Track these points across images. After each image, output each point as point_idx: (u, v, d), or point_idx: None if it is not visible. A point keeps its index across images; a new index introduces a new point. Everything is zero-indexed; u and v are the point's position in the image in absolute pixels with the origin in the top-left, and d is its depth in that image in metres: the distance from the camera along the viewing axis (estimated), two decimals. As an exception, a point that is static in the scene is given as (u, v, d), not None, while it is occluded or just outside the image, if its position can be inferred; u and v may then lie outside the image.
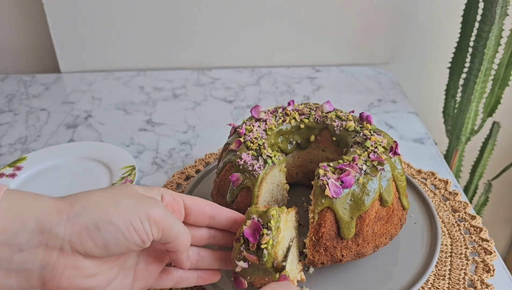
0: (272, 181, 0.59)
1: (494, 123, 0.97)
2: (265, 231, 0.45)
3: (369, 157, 0.57)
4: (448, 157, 1.01)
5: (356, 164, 0.55)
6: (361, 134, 0.61)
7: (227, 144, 0.63)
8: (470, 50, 0.91)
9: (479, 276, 0.59)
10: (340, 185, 0.53)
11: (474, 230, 0.65)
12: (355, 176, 0.54)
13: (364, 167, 0.55)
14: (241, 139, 0.61)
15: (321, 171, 0.55)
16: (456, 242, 0.64)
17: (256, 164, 0.57)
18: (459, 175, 1.05)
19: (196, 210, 0.47)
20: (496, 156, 1.16)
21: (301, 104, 0.70)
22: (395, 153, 0.59)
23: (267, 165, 0.57)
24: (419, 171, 0.77)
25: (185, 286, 0.50)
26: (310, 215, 0.55)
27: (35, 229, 0.35)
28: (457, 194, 0.72)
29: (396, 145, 0.59)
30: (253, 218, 0.47)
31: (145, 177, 0.78)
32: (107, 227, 0.37)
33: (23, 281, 0.36)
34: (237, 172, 0.57)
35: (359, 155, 0.57)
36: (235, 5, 1.07)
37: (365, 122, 0.64)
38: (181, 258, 0.44)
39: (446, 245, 0.63)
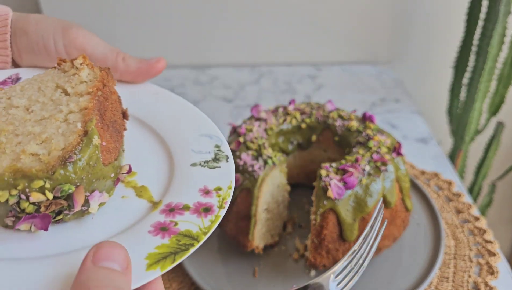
0: (272, 182, 0.58)
1: (498, 123, 0.97)
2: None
3: (372, 158, 0.56)
4: (452, 157, 1.00)
5: (359, 164, 0.54)
6: (364, 134, 0.61)
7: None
8: (474, 48, 0.90)
9: (483, 278, 0.58)
10: (343, 186, 0.52)
11: (478, 231, 0.65)
12: (358, 177, 0.53)
13: (367, 167, 0.54)
14: (241, 139, 0.60)
15: (323, 172, 0.54)
16: (460, 243, 0.63)
17: (256, 164, 0.56)
18: (463, 176, 1.04)
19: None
20: (500, 156, 1.15)
21: (302, 104, 0.69)
22: (399, 154, 0.58)
23: (267, 165, 0.56)
24: (423, 172, 0.76)
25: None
26: (312, 217, 0.54)
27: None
28: (460, 195, 0.71)
29: (400, 145, 0.58)
30: None
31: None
32: (22, 36, 0.47)
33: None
34: (237, 173, 0.56)
35: (362, 155, 0.57)
36: (234, 3, 1.06)
37: (367, 122, 0.63)
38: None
39: (449, 247, 0.63)
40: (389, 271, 0.59)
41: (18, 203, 0.32)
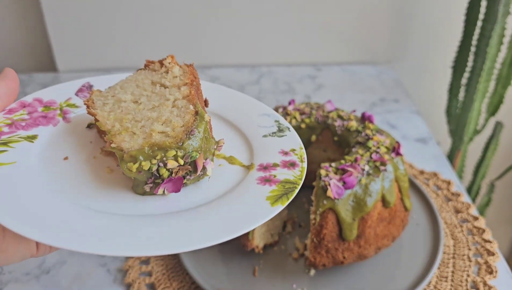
0: (272, 181, 0.58)
1: (497, 123, 0.97)
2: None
3: (371, 158, 0.56)
4: (451, 157, 1.00)
5: (358, 164, 0.55)
6: (363, 134, 0.61)
7: (227, 144, 0.63)
8: (473, 49, 0.90)
9: (482, 277, 0.58)
10: (342, 185, 0.52)
11: (477, 231, 0.65)
12: (357, 176, 0.53)
13: (367, 167, 0.55)
14: (241, 139, 0.60)
15: (323, 172, 0.54)
16: (458, 243, 0.63)
17: (256, 164, 0.56)
18: (462, 176, 1.04)
19: None
20: (499, 156, 1.16)
21: (302, 104, 0.69)
22: (398, 154, 0.58)
23: (267, 165, 0.56)
24: (422, 172, 0.76)
25: None
26: (312, 217, 0.54)
27: None
28: (459, 194, 0.71)
29: (399, 145, 0.58)
30: None
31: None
32: None
33: None
34: (237, 173, 0.56)
35: (361, 155, 0.57)
36: (234, 3, 1.06)
37: (367, 122, 0.63)
38: None
39: (448, 246, 0.63)
40: (389, 270, 0.59)
41: (157, 170, 0.39)
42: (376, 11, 1.07)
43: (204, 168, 0.41)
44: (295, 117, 0.66)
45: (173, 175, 0.39)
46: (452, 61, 0.96)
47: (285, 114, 0.67)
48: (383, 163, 0.56)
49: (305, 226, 0.66)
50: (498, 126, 0.96)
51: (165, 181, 0.40)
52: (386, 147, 0.58)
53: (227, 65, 1.15)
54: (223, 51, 1.13)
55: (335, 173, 0.54)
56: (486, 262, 0.60)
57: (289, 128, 0.49)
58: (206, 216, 0.38)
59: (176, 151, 0.39)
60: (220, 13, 1.07)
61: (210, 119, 0.44)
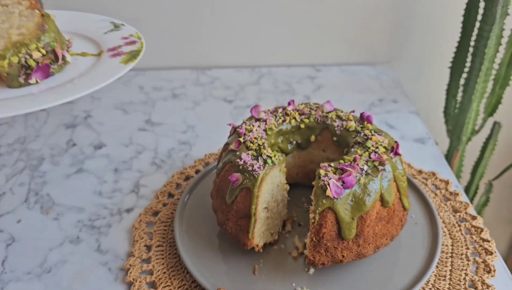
0: (272, 181, 0.59)
1: (495, 123, 0.97)
2: None
3: (370, 157, 0.57)
4: (449, 157, 1.01)
5: (357, 164, 0.55)
6: (362, 134, 0.61)
7: (227, 144, 0.63)
8: (471, 49, 0.91)
9: (480, 276, 0.58)
10: (341, 185, 0.53)
11: (475, 230, 0.65)
12: (356, 176, 0.54)
13: (365, 167, 0.55)
14: (241, 139, 0.60)
15: (322, 172, 0.54)
16: (457, 242, 0.63)
17: (256, 164, 0.56)
18: (460, 175, 1.04)
19: None
20: (497, 156, 1.16)
21: (302, 104, 0.69)
22: (396, 154, 0.59)
23: (267, 165, 0.57)
24: (420, 172, 0.77)
25: None
26: (311, 216, 0.54)
27: None
28: (458, 194, 0.72)
29: (397, 145, 0.59)
30: None
31: (144, 177, 0.78)
32: None
33: None
34: (237, 173, 0.57)
35: (360, 155, 0.57)
36: (235, 4, 1.06)
37: (365, 122, 0.64)
38: None
39: (447, 245, 0.63)
40: (387, 269, 0.59)
41: (26, 62, 0.49)
42: (376, 11, 1.07)
43: (64, 56, 0.53)
44: (294, 118, 0.67)
45: (40, 63, 0.49)
46: (450, 61, 0.96)
47: (285, 114, 0.67)
48: (382, 163, 0.56)
49: (304, 225, 0.66)
50: (496, 126, 0.97)
51: (34, 70, 0.49)
52: (385, 147, 0.59)
53: (227, 65, 1.15)
54: (223, 51, 1.13)
55: (334, 173, 0.54)
56: (484, 261, 0.60)
57: (123, 24, 0.63)
58: (72, 82, 0.49)
59: (37, 44, 0.50)
60: (220, 14, 1.08)
61: (55, 17, 0.55)
